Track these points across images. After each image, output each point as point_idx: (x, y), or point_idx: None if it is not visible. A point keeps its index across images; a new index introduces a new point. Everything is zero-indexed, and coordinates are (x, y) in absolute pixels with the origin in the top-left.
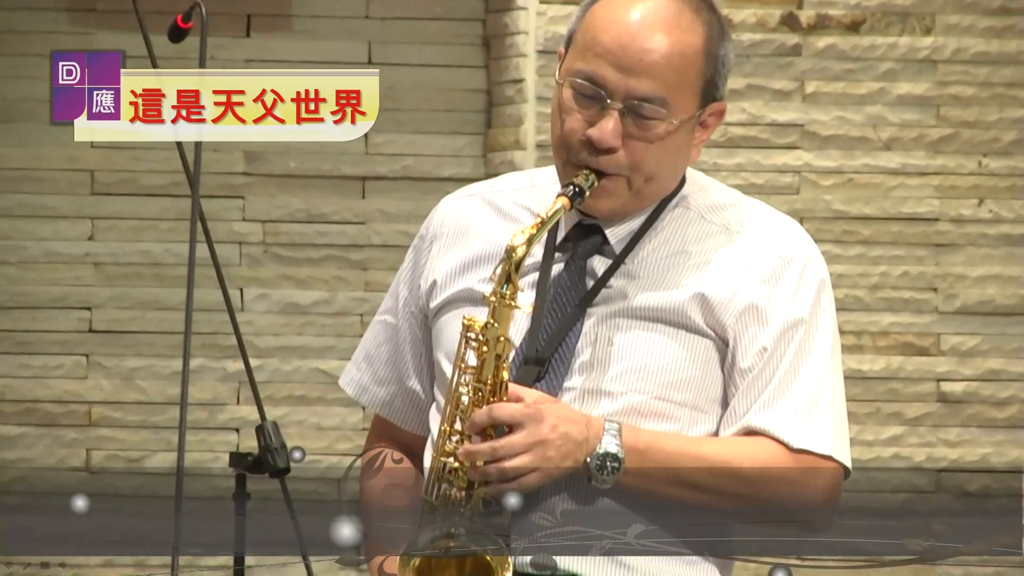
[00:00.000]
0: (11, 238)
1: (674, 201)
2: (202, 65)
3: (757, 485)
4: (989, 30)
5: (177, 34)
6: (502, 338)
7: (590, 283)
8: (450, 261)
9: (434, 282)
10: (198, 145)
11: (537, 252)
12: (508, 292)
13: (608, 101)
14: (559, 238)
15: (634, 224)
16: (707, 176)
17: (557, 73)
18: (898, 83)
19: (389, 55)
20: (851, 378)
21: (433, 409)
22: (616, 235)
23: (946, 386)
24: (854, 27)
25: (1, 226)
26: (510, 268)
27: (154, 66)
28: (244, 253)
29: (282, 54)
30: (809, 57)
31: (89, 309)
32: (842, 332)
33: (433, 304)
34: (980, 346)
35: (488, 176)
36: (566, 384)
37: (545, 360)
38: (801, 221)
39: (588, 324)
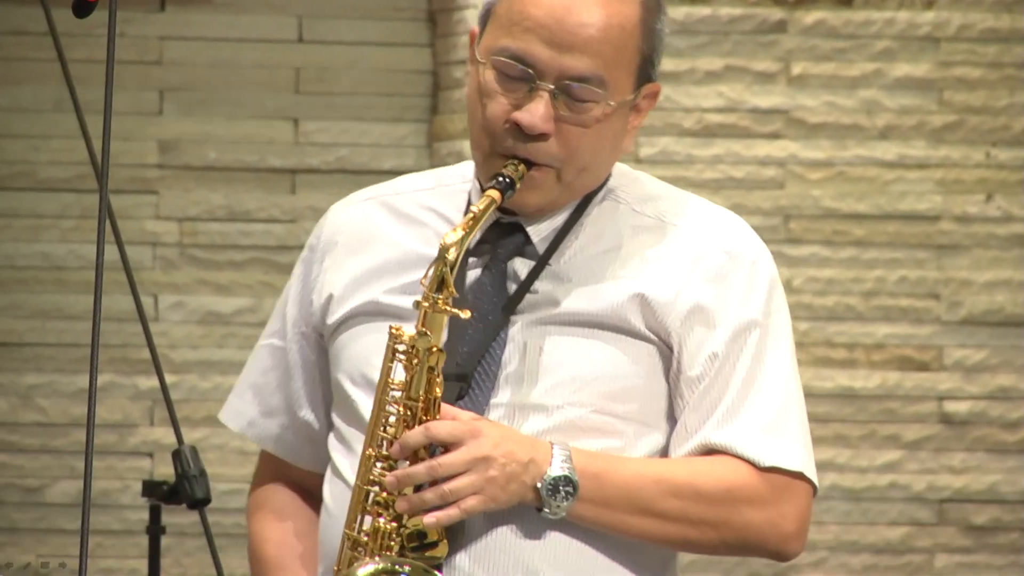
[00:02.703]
0: None
1: (601, 194)
2: (111, 42)
3: (725, 508)
4: (998, 4)
5: (83, 8)
6: (435, 348)
7: (513, 287)
8: (349, 272)
9: (330, 296)
10: (106, 133)
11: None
12: (442, 297)
13: (538, 82)
14: (475, 239)
15: (558, 220)
16: (633, 168)
17: (475, 52)
18: (895, 64)
19: (322, 31)
20: (843, 396)
21: (332, 438)
22: (539, 233)
23: (949, 405)
24: (846, 0)
25: None
26: (444, 270)
27: (56, 44)
28: (158, 255)
29: (199, 30)
30: (795, 35)
31: None
32: (833, 345)
33: (331, 320)
34: (987, 360)
35: (434, 168)
36: (493, 400)
37: (467, 375)
38: (787, 219)
39: (513, 332)
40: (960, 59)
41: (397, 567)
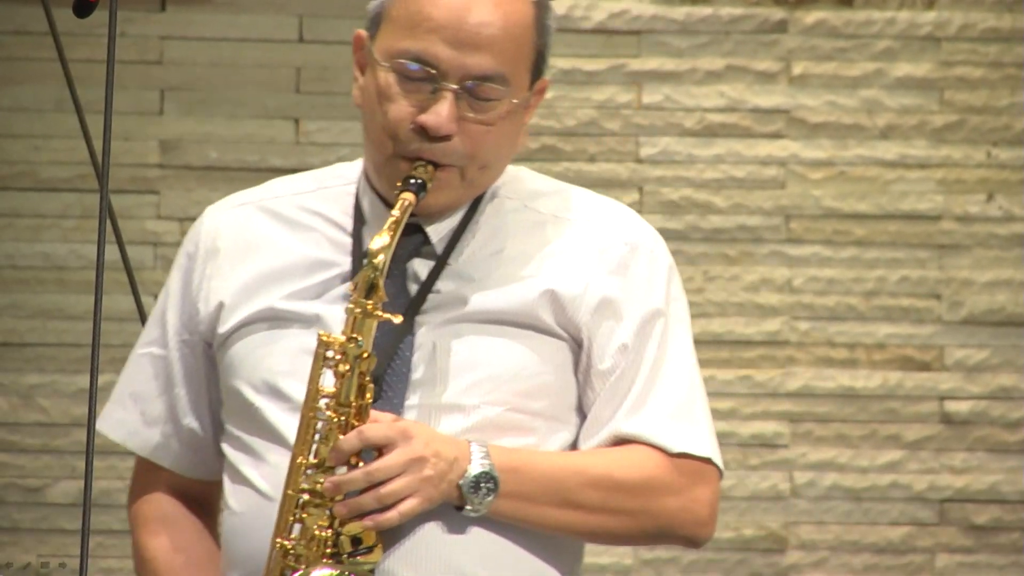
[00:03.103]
0: None
1: (489, 193)
2: (111, 43)
3: (642, 497)
4: (1000, 3)
5: (83, 8)
6: (365, 354)
7: (414, 288)
8: (238, 279)
9: (221, 304)
10: (107, 133)
11: (342, 260)
12: (372, 303)
13: (442, 82)
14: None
15: (455, 220)
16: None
17: (367, 56)
18: (896, 63)
19: (322, 31)
20: (844, 396)
21: (231, 448)
22: (438, 233)
23: (951, 405)
24: (847, 0)
25: None
26: (374, 276)
27: (57, 44)
28: (159, 255)
29: (200, 30)
30: (796, 34)
31: None
32: (834, 344)
33: (223, 329)
34: (989, 360)
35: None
36: (408, 402)
37: (379, 378)
38: (788, 219)
39: (421, 333)
40: (961, 59)
41: (345, 574)
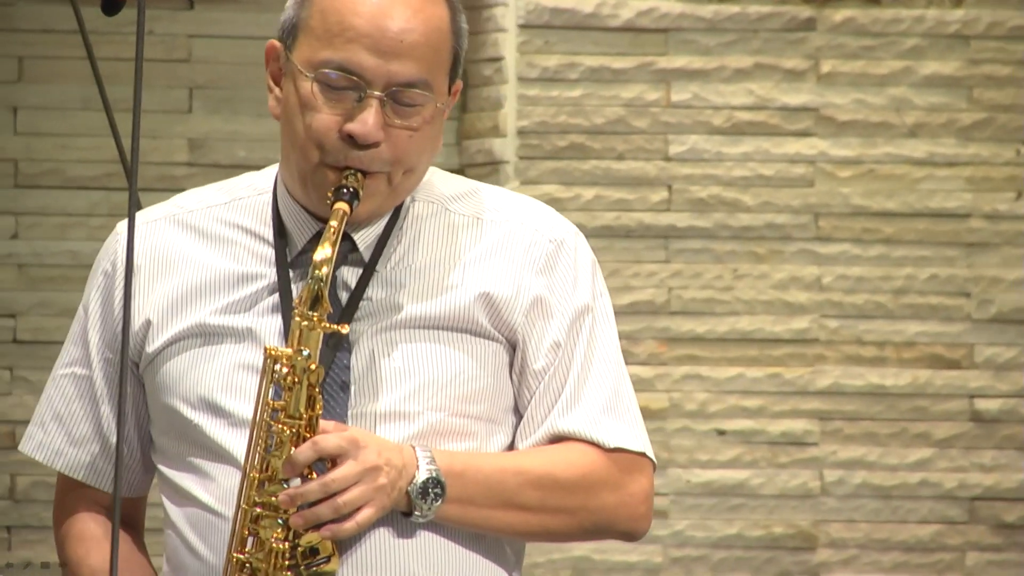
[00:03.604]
0: None
1: (408, 199)
2: (140, 41)
3: (582, 494)
4: None
5: (111, 6)
6: (313, 365)
7: (344, 296)
8: (162, 296)
9: (147, 322)
10: (135, 131)
11: (267, 272)
12: (317, 314)
13: (368, 90)
14: (295, 251)
15: (379, 227)
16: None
17: (286, 66)
18: (924, 61)
19: None
20: (873, 394)
21: (168, 467)
22: (365, 241)
23: (980, 403)
24: None
25: None
26: (319, 287)
27: (85, 42)
28: None
29: (228, 28)
30: (824, 32)
31: (12, 316)
32: (863, 343)
33: (151, 348)
34: (1018, 358)
35: (463, 167)
36: (352, 411)
37: (317, 387)
38: (817, 217)
39: (357, 341)
40: (989, 56)
41: None
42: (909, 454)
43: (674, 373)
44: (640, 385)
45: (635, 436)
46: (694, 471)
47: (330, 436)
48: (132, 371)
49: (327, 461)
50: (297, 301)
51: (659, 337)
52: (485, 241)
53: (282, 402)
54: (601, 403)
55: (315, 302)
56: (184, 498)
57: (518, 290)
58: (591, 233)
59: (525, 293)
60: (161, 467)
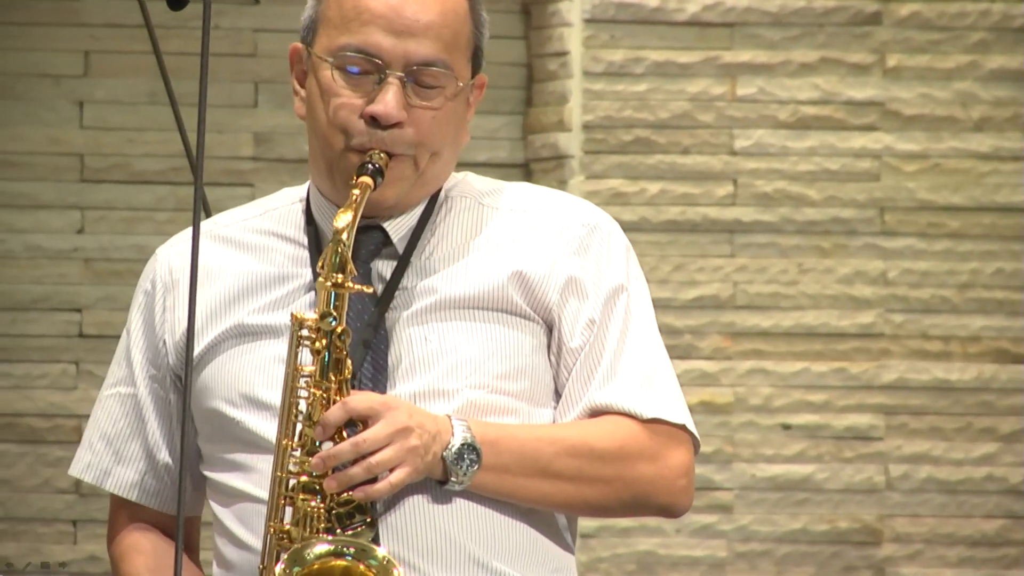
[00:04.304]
0: None
1: (442, 195)
2: (205, 36)
3: (619, 463)
4: None
5: (177, 1)
6: (340, 328)
7: (380, 287)
8: (201, 305)
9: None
10: (201, 125)
11: (301, 272)
12: (343, 276)
13: (387, 71)
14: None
15: (412, 219)
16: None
17: (306, 63)
18: (990, 55)
19: None
20: (938, 389)
21: (218, 474)
22: (397, 232)
23: None
24: None
25: None
26: (343, 250)
27: (151, 36)
28: None
29: (294, 22)
30: (890, 26)
31: (78, 311)
32: (928, 337)
33: (193, 353)
34: None
35: (529, 161)
36: (391, 393)
37: (354, 373)
38: (882, 212)
39: (394, 328)
40: None
41: (344, 548)
42: (974, 448)
43: (739, 368)
44: (705, 380)
45: (674, 408)
46: (759, 466)
47: (360, 396)
48: (176, 385)
49: (359, 424)
50: (320, 264)
51: (724, 332)
52: (519, 227)
53: (311, 367)
54: (639, 377)
55: (341, 267)
56: (230, 496)
57: (551, 269)
58: (656, 227)
59: (559, 272)
60: (208, 474)
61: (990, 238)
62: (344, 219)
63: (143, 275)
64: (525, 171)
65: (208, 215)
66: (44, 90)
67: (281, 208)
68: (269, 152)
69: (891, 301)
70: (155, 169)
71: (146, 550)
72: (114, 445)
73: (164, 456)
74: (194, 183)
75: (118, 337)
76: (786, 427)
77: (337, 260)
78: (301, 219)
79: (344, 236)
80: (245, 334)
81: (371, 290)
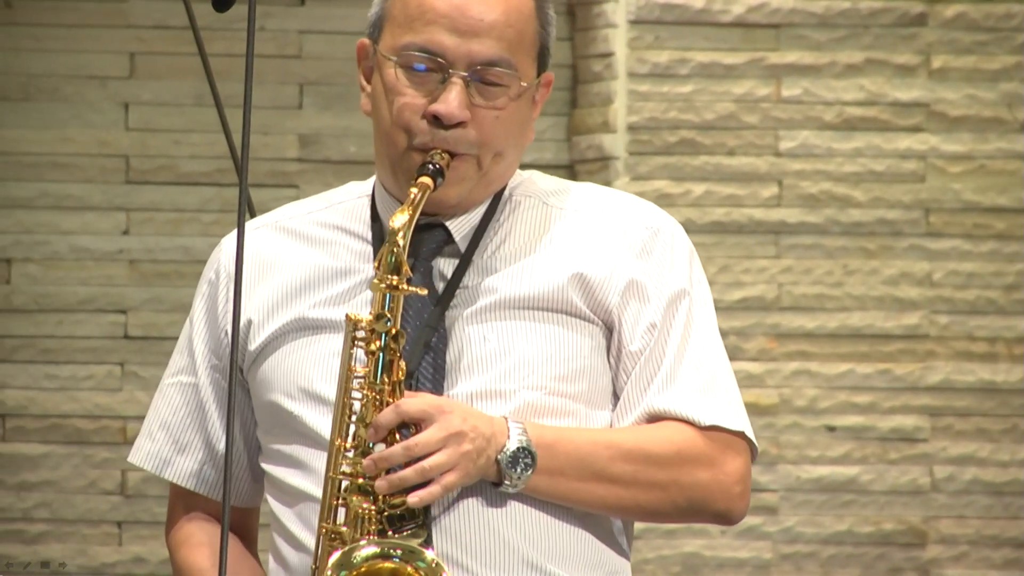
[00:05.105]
0: (34, 232)
1: (506, 193)
2: (250, 37)
3: (674, 469)
4: None
5: (223, 2)
6: (394, 330)
7: (441, 285)
8: (262, 297)
9: (249, 322)
10: (246, 127)
11: (364, 267)
12: (398, 278)
13: (450, 70)
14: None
15: (475, 218)
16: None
17: (372, 61)
18: None
19: None
20: (985, 390)
21: (274, 466)
22: (459, 231)
23: None
24: None
25: (23, 219)
26: (397, 251)
27: (196, 38)
28: None
29: (339, 24)
30: (936, 27)
31: (123, 312)
32: (974, 338)
33: (253, 346)
34: None
35: (574, 163)
36: (447, 392)
37: (412, 372)
38: (927, 213)
39: (453, 326)
40: None
41: (391, 550)
42: (1020, 450)
43: (784, 369)
44: (750, 381)
45: (733, 415)
46: (804, 467)
47: (413, 399)
48: (237, 375)
49: (412, 427)
50: (376, 265)
51: (769, 333)
52: (582, 228)
53: (365, 368)
54: (698, 383)
55: (396, 268)
56: (288, 494)
57: (612, 271)
58: (701, 229)
59: (620, 275)
60: (267, 468)
61: None
62: (400, 220)
63: (207, 265)
64: (570, 172)
65: (253, 216)
66: (90, 92)
67: (347, 202)
68: (314, 154)
69: (937, 302)
70: (200, 171)
71: (203, 541)
72: (174, 434)
73: (224, 446)
74: (239, 184)
75: (163, 338)
76: (831, 428)
77: (392, 261)
78: (366, 214)
79: (399, 237)
80: (305, 328)
81: (425, 292)
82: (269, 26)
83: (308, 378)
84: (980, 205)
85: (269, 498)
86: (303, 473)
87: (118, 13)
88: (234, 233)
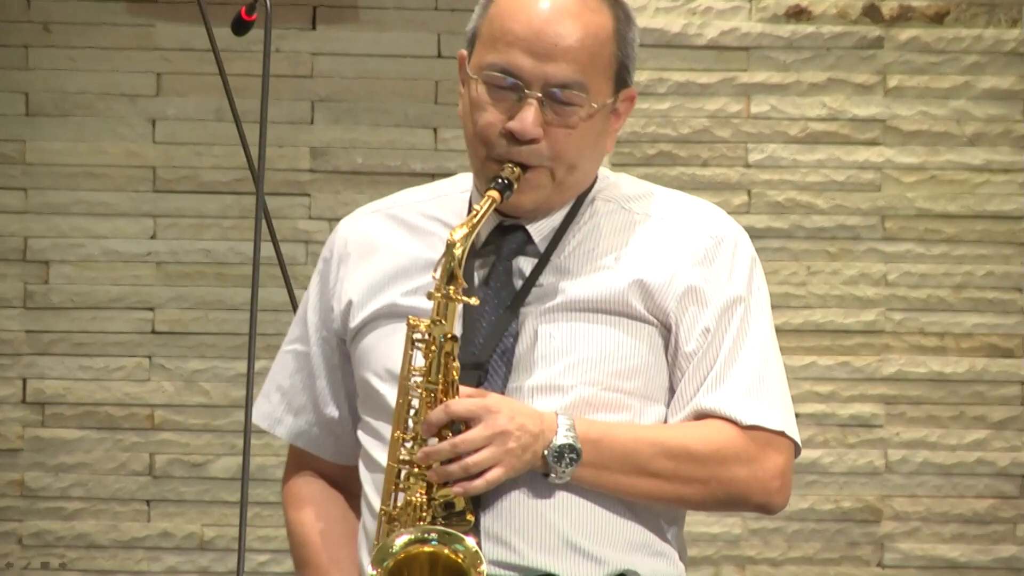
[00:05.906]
0: (69, 236)
1: (590, 196)
2: (266, 58)
3: (713, 465)
4: None
5: (241, 26)
6: (449, 335)
7: (519, 283)
8: (363, 279)
9: (350, 302)
10: (262, 140)
11: None
12: (453, 288)
13: (526, 91)
14: (480, 242)
15: (555, 220)
16: (612, 171)
17: (465, 72)
18: (984, 77)
19: (460, 48)
20: (934, 380)
21: (363, 433)
22: (540, 232)
23: None
24: (938, 19)
25: (59, 224)
26: (453, 263)
27: (217, 59)
28: (310, 252)
29: (347, 46)
30: (891, 50)
31: (151, 309)
32: (926, 333)
33: (352, 324)
34: None
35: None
36: (511, 384)
37: (483, 363)
38: (884, 219)
39: (524, 323)
40: None
41: (427, 535)
42: (967, 435)
43: None
44: None
45: (775, 415)
46: None
47: (462, 401)
48: (340, 347)
49: (462, 423)
50: (434, 276)
51: None
52: (649, 236)
53: (422, 368)
54: (744, 386)
55: (451, 278)
56: (371, 464)
57: (672, 278)
58: None
59: (679, 281)
60: (359, 435)
61: (983, 243)
62: (459, 232)
63: (326, 245)
64: None
65: (269, 222)
66: (121, 108)
67: (451, 196)
68: (325, 164)
69: (892, 300)
70: (221, 180)
71: (307, 500)
72: (287, 397)
73: (330, 410)
74: (256, 192)
75: (187, 333)
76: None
77: (449, 272)
78: (464, 209)
79: (455, 249)
80: (395, 314)
81: (476, 302)
82: (283, 48)
83: (394, 361)
84: (931, 212)
85: (360, 464)
86: (382, 447)
87: (146, 36)
88: (351, 216)
